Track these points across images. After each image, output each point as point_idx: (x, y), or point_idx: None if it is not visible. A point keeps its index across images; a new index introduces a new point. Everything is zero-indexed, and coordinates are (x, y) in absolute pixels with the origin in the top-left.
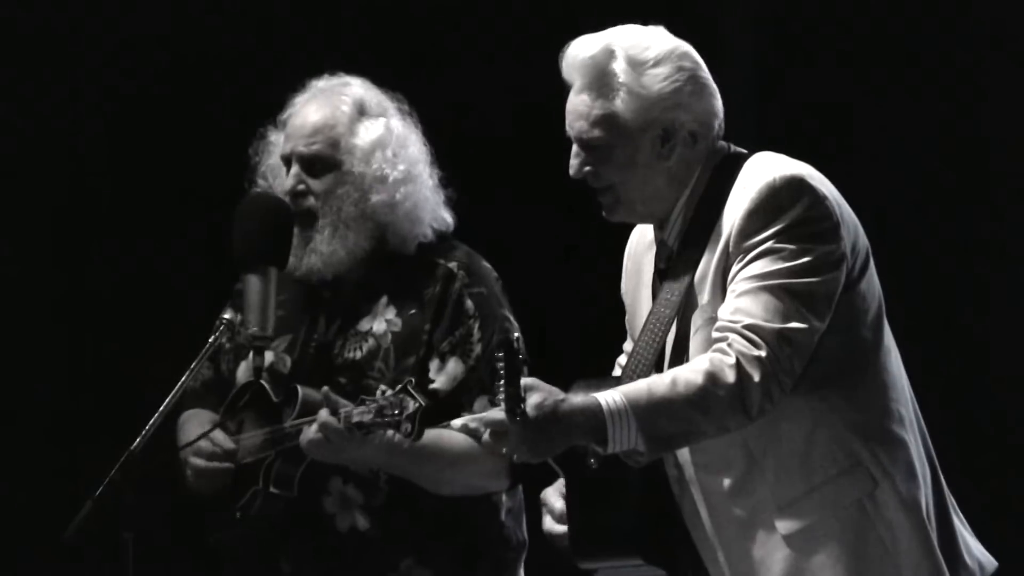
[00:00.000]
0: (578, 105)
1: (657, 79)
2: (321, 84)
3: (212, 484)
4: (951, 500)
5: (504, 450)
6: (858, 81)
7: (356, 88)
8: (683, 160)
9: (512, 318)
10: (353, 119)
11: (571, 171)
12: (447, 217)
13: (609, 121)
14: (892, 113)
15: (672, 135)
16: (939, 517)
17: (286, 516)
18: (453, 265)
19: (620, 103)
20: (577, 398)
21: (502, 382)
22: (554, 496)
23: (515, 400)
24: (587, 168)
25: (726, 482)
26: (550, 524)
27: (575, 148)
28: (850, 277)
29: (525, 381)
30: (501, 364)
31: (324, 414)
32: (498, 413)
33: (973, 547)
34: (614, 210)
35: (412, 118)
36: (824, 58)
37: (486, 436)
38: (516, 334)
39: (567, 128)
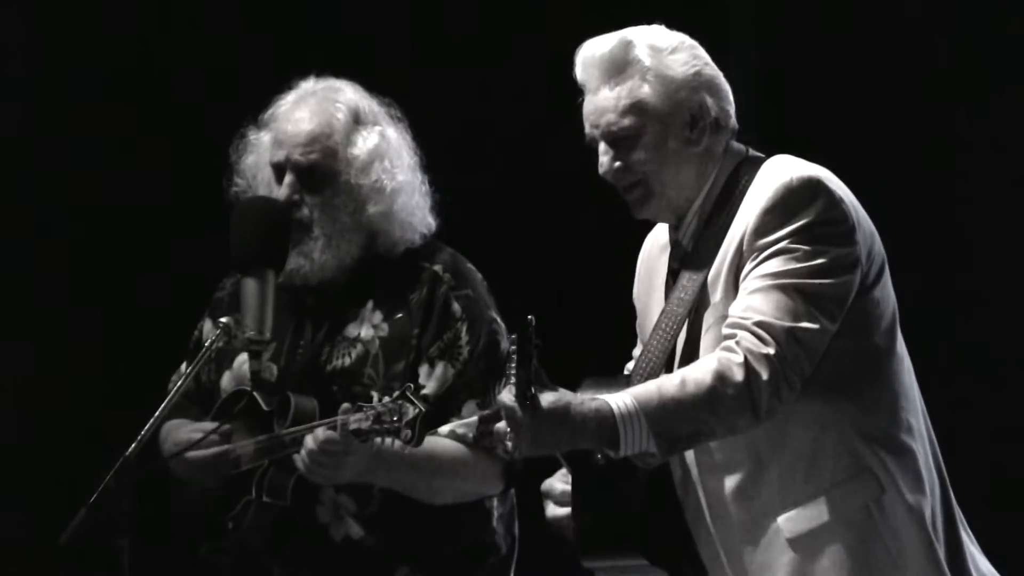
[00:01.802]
0: (602, 101)
1: (678, 63)
2: (309, 87)
3: (214, 472)
4: (960, 515)
5: (507, 439)
6: (858, 83)
7: (349, 94)
8: (709, 149)
9: (499, 320)
10: (349, 128)
11: (601, 169)
12: (431, 221)
13: (638, 108)
14: (893, 114)
15: (699, 119)
16: (947, 530)
17: (279, 526)
18: (438, 268)
19: (647, 88)
20: (589, 402)
21: (514, 365)
22: (556, 481)
23: (526, 385)
24: (617, 163)
25: (731, 484)
26: (552, 510)
27: (602, 147)
28: (864, 282)
29: (538, 372)
30: (514, 347)
31: (320, 432)
32: (508, 397)
33: (981, 563)
34: (644, 204)
35: (402, 123)
36: (824, 58)
37: (500, 425)
38: (531, 317)
39: (589, 130)
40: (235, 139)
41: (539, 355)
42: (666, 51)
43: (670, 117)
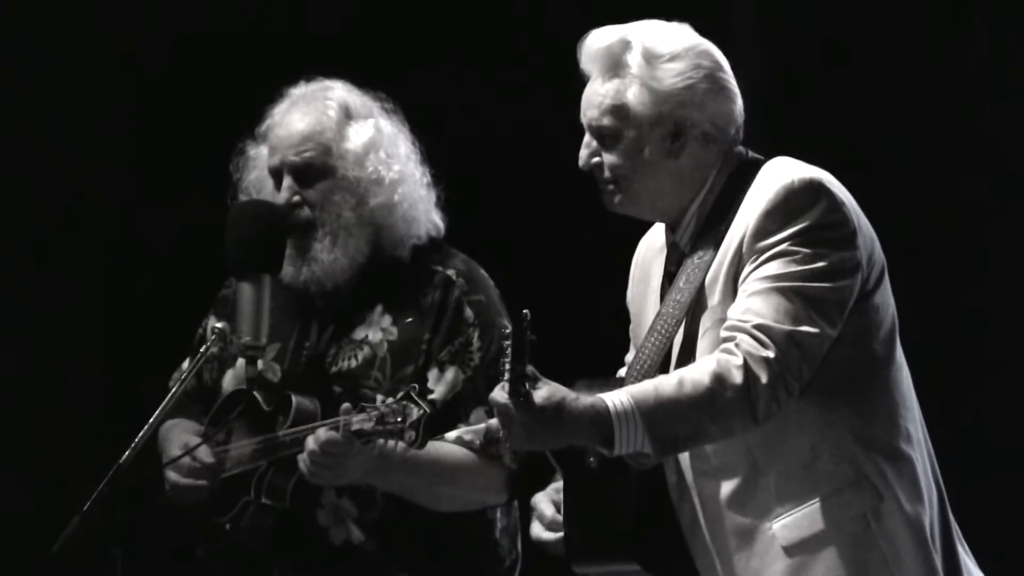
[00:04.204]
0: (592, 94)
1: (671, 74)
2: (299, 91)
3: (189, 498)
4: (956, 527)
5: (500, 435)
6: (863, 85)
7: (339, 91)
8: (695, 161)
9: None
10: (341, 123)
11: (580, 161)
12: (439, 221)
13: (620, 111)
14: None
15: (683, 133)
16: (943, 542)
17: (278, 529)
18: (452, 272)
19: (631, 94)
20: (585, 398)
21: (507, 360)
22: (545, 503)
23: (520, 380)
24: (595, 159)
25: (727, 489)
26: (538, 531)
27: (586, 138)
28: (864, 288)
29: (532, 368)
30: (508, 341)
31: (322, 432)
32: (501, 394)
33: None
34: (615, 201)
35: (397, 115)
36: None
37: (493, 421)
38: (526, 311)
39: (581, 117)
40: (234, 156)
41: (534, 350)
42: (663, 58)
43: (650, 127)
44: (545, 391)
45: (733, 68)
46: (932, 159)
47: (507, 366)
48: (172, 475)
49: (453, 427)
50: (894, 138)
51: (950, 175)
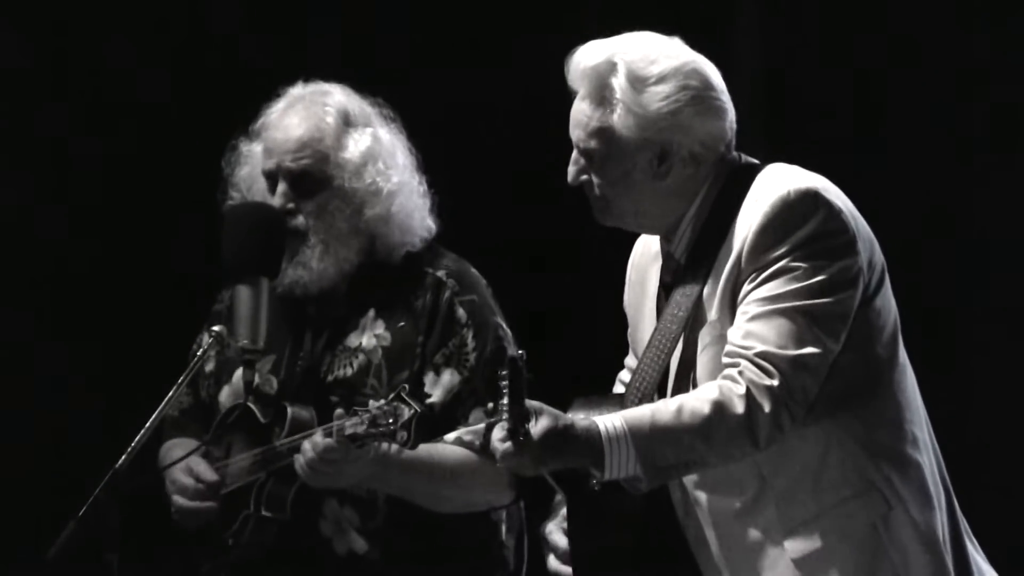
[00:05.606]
0: (578, 113)
1: (657, 97)
2: (297, 92)
3: (197, 521)
4: (965, 525)
5: (501, 463)
6: (865, 88)
7: (338, 96)
8: (684, 179)
9: (505, 326)
10: (340, 131)
11: (568, 178)
12: (432, 225)
13: (605, 134)
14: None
15: (669, 156)
16: (953, 543)
17: (280, 541)
18: (442, 273)
19: (617, 118)
20: (581, 421)
21: (505, 400)
22: (558, 534)
23: (519, 420)
24: (583, 177)
25: (734, 503)
26: (555, 564)
27: (574, 155)
28: (866, 293)
29: (531, 404)
30: (504, 382)
31: (318, 439)
32: (499, 439)
33: (987, 574)
34: (605, 217)
35: (396, 124)
36: (830, 62)
37: (496, 443)
38: (521, 352)
39: (570, 133)
40: (226, 151)
41: (530, 389)
42: (648, 81)
43: (636, 151)
44: (543, 423)
45: (735, 68)
46: (933, 159)
47: (505, 407)
48: (178, 499)
49: (453, 429)
50: (894, 138)
51: (950, 175)
